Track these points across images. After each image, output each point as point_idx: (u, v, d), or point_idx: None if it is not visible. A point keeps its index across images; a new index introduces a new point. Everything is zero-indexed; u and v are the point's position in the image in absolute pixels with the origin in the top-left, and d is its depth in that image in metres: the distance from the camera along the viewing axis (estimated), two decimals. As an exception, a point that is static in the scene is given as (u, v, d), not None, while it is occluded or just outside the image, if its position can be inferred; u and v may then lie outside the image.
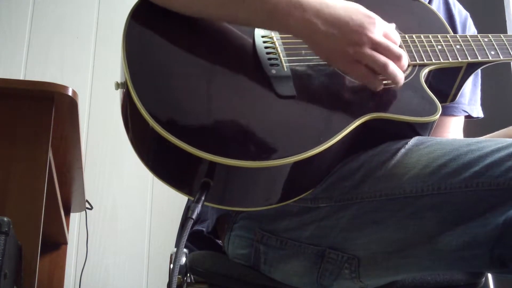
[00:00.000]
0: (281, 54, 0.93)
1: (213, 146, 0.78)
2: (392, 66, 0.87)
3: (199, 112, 0.83)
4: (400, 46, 0.97)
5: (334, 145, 0.83)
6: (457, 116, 1.16)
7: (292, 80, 0.90)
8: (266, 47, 0.94)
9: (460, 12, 1.21)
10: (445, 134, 1.14)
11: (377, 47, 0.87)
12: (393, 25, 0.93)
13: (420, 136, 0.91)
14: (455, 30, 1.15)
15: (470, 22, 1.21)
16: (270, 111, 0.86)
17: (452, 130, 1.16)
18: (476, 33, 1.20)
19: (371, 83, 0.90)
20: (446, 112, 1.13)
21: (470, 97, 1.18)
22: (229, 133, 0.81)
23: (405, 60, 0.90)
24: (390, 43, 0.88)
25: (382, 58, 0.87)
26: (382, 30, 0.88)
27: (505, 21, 2.03)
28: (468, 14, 1.22)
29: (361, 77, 0.90)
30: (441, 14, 1.13)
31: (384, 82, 0.91)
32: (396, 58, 0.88)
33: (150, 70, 0.87)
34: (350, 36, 0.86)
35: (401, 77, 0.89)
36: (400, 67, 0.89)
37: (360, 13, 0.88)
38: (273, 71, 0.90)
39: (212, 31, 0.94)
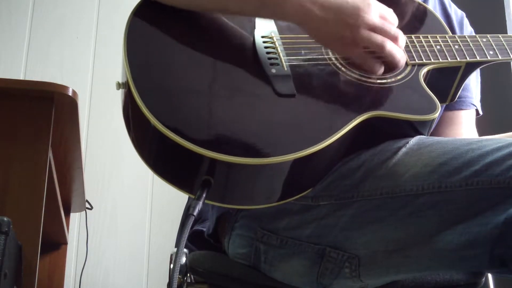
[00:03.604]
0: (281, 54, 0.94)
1: (214, 143, 0.79)
2: (389, 45, 0.90)
3: (200, 111, 0.84)
4: None
5: (334, 143, 0.83)
6: (466, 109, 1.16)
7: (292, 79, 0.90)
8: (266, 47, 0.94)
9: (456, 12, 1.22)
10: (459, 130, 1.14)
11: (373, 28, 0.89)
12: (390, 10, 0.94)
13: (421, 136, 0.91)
14: (452, 30, 1.16)
15: (466, 22, 1.22)
16: (271, 109, 0.86)
17: (465, 125, 1.16)
18: (472, 32, 1.21)
19: (371, 65, 0.92)
20: (455, 107, 1.13)
21: (475, 92, 1.19)
22: (229, 131, 0.82)
23: (402, 40, 0.92)
24: (387, 23, 0.90)
25: (379, 38, 0.89)
26: (378, 12, 0.90)
27: (505, 21, 2.03)
28: (464, 14, 1.23)
29: (360, 59, 0.91)
30: (438, 14, 1.14)
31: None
32: (393, 39, 0.90)
33: (151, 70, 0.87)
34: (346, 19, 0.87)
35: (400, 55, 0.91)
36: (398, 46, 0.91)
37: None
38: (273, 70, 0.90)
39: (213, 31, 0.95)
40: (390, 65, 0.93)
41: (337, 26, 0.88)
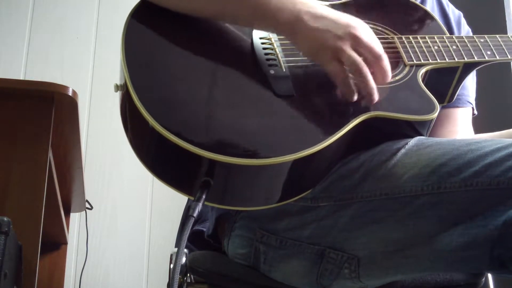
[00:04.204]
0: (279, 55, 0.94)
1: (213, 144, 0.79)
2: (366, 70, 0.87)
3: (199, 112, 0.84)
4: (394, 48, 0.98)
5: (333, 144, 0.83)
6: (462, 107, 1.16)
7: (291, 80, 0.90)
8: (264, 48, 0.94)
9: (453, 12, 1.22)
10: (454, 127, 1.14)
11: (359, 44, 0.87)
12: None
13: (420, 137, 0.91)
14: (450, 29, 1.16)
15: (463, 21, 1.22)
16: (269, 110, 0.86)
17: (461, 122, 1.15)
18: (469, 32, 1.21)
19: (345, 85, 0.89)
20: (452, 104, 1.13)
21: (472, 91, 1.19)
22: (229, 132, 0.82)
23: (386, 61, 0.89)
24: (375, 42, 0.89)
25: (359, 59, 0.87)
26: (367, 32, 0.89)
27: (505, 21, 2.03)
28: (461, 14, 1.23)
29: (337, 75, 0.89)
30: (436, 14, 1.14)
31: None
32: (376, 57, 0.88)
33: (149, 71, 0.87)
34: (334, 30, 0.87)
35: (372, 85, 0.88)
36: (381, 67, 0.89)
37: (349, 17, 0.89)
38: (272, 71, 0.90)
39: (211, 33, 0.95)
40: (362, 91, 0.89)
41: (324, 35, 0.87)
